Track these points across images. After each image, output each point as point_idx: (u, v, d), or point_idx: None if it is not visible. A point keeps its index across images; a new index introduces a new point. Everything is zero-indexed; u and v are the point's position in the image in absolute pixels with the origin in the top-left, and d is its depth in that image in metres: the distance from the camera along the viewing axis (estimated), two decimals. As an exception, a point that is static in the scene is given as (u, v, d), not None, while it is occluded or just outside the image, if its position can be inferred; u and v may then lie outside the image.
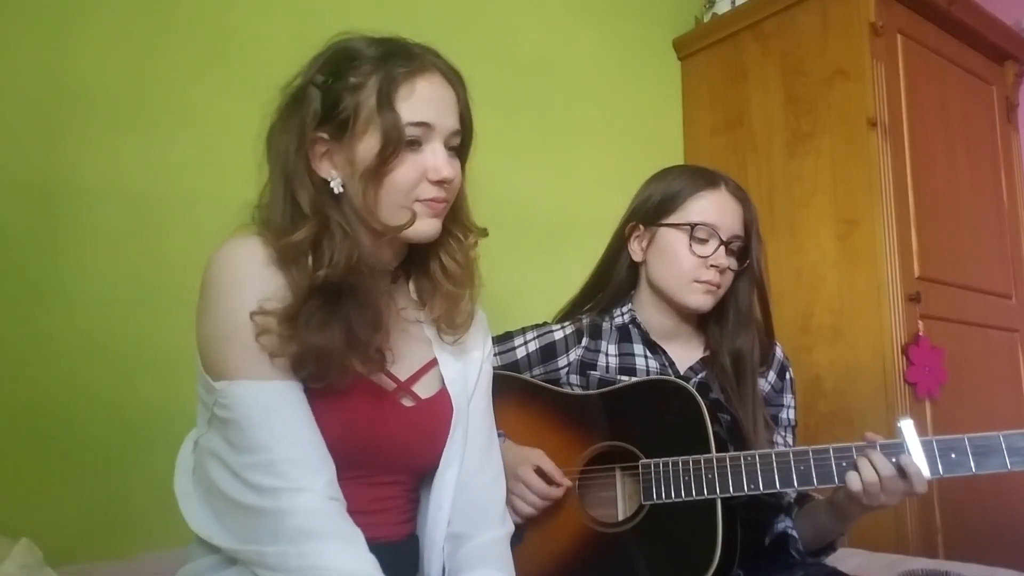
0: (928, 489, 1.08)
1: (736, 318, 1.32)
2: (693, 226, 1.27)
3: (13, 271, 1.36)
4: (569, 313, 1.44)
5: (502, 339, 1.37)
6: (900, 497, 1.08)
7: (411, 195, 0.93)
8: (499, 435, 1.24)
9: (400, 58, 0.93)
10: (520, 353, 1.35)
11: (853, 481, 1.07)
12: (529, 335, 1.37)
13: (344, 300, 0.89)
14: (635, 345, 1.34)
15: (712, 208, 1.29)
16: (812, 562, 1.25)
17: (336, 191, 0.93)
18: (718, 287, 1.28)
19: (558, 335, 1.35)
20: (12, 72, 1.39)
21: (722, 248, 1.27)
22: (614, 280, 1.39)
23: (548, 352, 1.35)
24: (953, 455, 1.06)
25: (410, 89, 0.92)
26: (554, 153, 2.23)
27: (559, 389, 1.32)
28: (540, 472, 1.18)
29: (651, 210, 1.34)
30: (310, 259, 0.89)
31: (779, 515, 1.27)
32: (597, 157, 2.31)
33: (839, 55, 2.18)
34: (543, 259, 2.12)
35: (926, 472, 1.06)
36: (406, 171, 0.92)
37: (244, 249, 0.90)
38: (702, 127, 2.53)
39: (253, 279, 0.88)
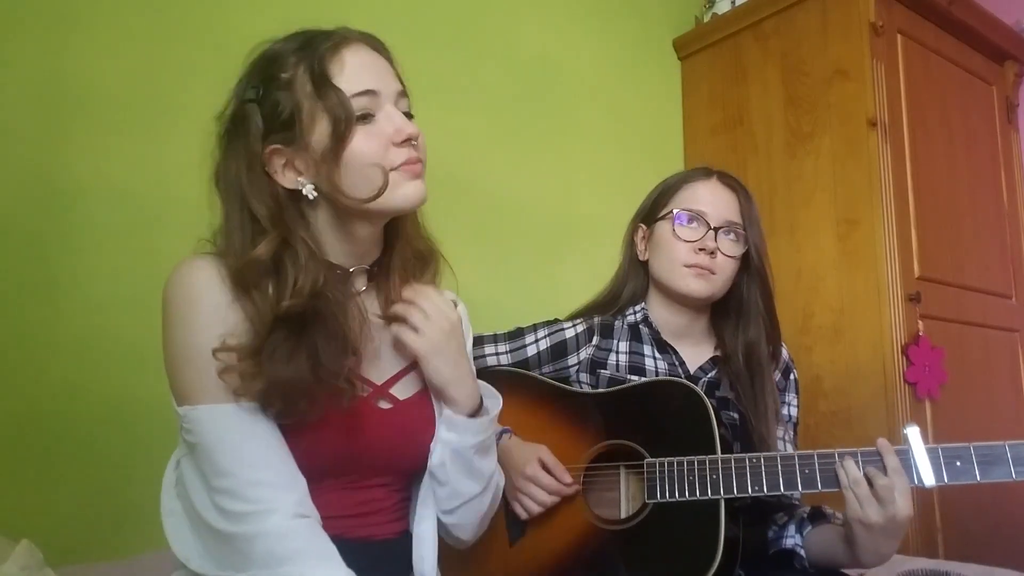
0: (923, 492, 1.06)
1: (739, 310, 1.32)
2: (677, 212, 1.31)
3: (13, 271, 1.36)
4: (585, 313, 1.43)
5: (513, 335, 1.38)
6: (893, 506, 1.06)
7: (383, 166, 0.88)
8: (505, 431, 1.24)
9: (318, 39, 0.90)
10: (531, 351, 1.36)
11: (844, 490, 1.06)
12: (540, 332, 1.37)
13: (310, 328, 0.86)
14: (645, 345, 1.34)
15: (699, 195, 1.32)
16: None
17: (310, 196, 0.89)
18: (711, 271, 1.28)
19: (569, 333, 1.36)
20: (12, 72, 1.39)
21: (711, 233, 1.28)
22: (629, 284, 1.40)
23: (559, 350, 1.35)
24: (958, 463, 1.05)
25: (340, 63, 0.88)
26: (554, 153, 2.23)
27: (566, 387, 1.33)
28: (543, 466, 1.18)
29: (649, 208, 1.39)
30: (271, 286, 0.85)
31: (783, 519, 1.26)
32: (597, 157, 2.30)
33: (839, 55, 2.18)
34: (543, 259, 2.12)
35: (931, 479, 1.06)
36: (367, 143, 0.87)
37: (198, 270, 0.87)
38: (702, 127, 2.53)
39: (209, 301, 0.85)
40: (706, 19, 2.56)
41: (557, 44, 2.29)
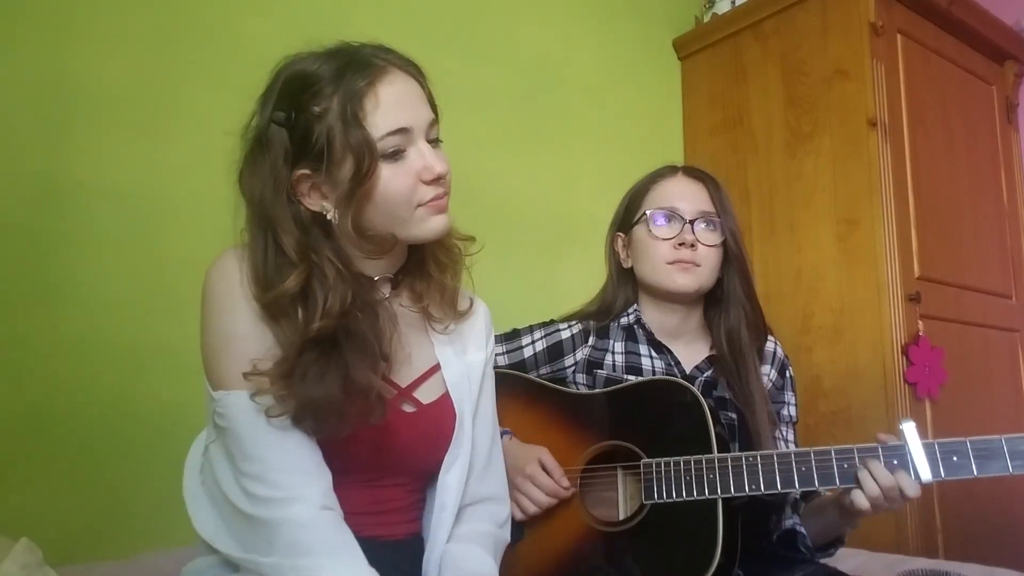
0: (924, 491, 1.08)
1: (721, 296, 1.33)
2: (651, 213, 1.31)
3: (13, 271, 1.36)
4: (576, 317, 1.43)
5: (509, 337, 1.38)
6: (900, 504, 1.08)
7: (411, 203, 0.91)
8: (505, 432, 1.25)
9: (355, 69, 0.89)
10: (528, 352, 1.36)
11: (860, 501, 1.08)
12: (537, 334, 1.37)
13: (341, 347, 0.87)
14: (640, 345, 1.34)
15: (668, 192, 1.33)
16: (809, 559, 1.25)
17: (335, 221, 0.90)
18: (695, 264, 1.29)
19: (565, 334, 1.36)
20: (13, 72, 1.39)
21: (688, 226, 1.29)
22: (620, 294, 1.39)
23: (555, 351, 1.35)
24: (955, 458, 1.06)
25: (375, 99, 0.88)
26: (554, 153, 2.23)
27: (562, 388, 1.33)
28: (543, 467, 1.19)
29: (623, 215, 1.40)
30: (299, 311, 0.86)
31: (782, 513, 1.27)
32: (597, 157, 2.31)
33: (839, 55, 2.18)
34: (543, 259, 2.13)
35: (928, 475, 1.06)
36: (398, 182, 0.89)
37: (240, 260, 0.89)
38: (702, 127, 2.53)
39: (243, 290, 0.88)
40: (706, 19, 2.56)
41: (557, 44, 2.29)
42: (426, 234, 0.94)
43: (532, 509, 1.18)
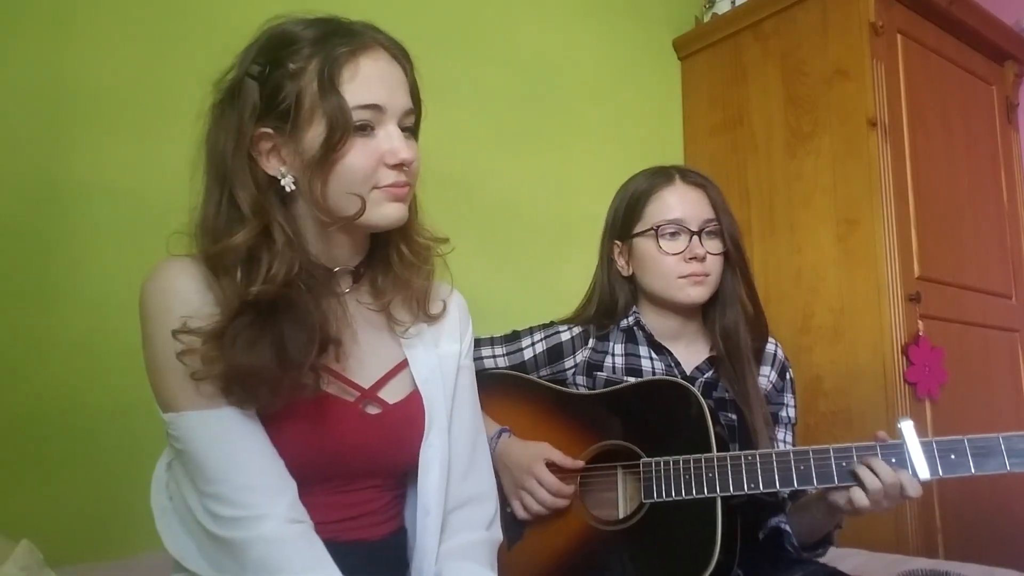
0: (924, 491, 1.08)
1: (720, 300, 1.33)
2: (658, 228, 1.29)
3: (13, 271, 1.36)
4: (578, 322, 1.42)
5: (510, 339, 1.38)
6: (899, 502, 1.08)
7: (368, 183, 0.87)
8: (504, 431, 1.25)
9: (340, 37, 0.87)
10: (528, 354, 1.36)
11: (860, 499, 1.07)
12: (537, 336, 1.37)
13: (278, 316, 0.83)
14: (640, 347, 1.34)
15: (671, 203, 1.31)
16: (809, 558, 1.25)
17: (288, 188, 0.87)
18: (706, 275, 1.29)
19: (565, 336, 1.36)
20: (12, 72, 1.39)
21: (695, 238, 1.28)
22: (620, 297, 1.37)
23: (555, 353, 1.35)
24: (952, 456, 1.06)
25: (354, 69, 0.85)
26: (554, 153, 2.23)
27: (562, 389, 1.33)
28: (551, 464, 1.18)
29: (620, 224, 1.37)
30: (241, 272, 0.83)
31: (775, 512, 1.27)
32: (597, 157, 2.30)
33: (839, 55, 2.18)
34: (542, 259, 2.12)
35: (925, 473, 1.06)
36: (360, 157, 0.86)
37: (172, 273, 0.85)
38: (702, 127, 2.53)
39: (181, 302, 0.83)
40: (706, 19, 2.56)
41: (557, 44, 2.29)
42: (378, 220, 0.89)
43: (536, 508, 1.18)
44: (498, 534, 1.02)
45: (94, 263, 1.44)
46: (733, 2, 2.48)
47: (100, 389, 1.41)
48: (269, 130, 0.86)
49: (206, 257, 0.85)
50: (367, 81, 0.86)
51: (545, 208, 2.17)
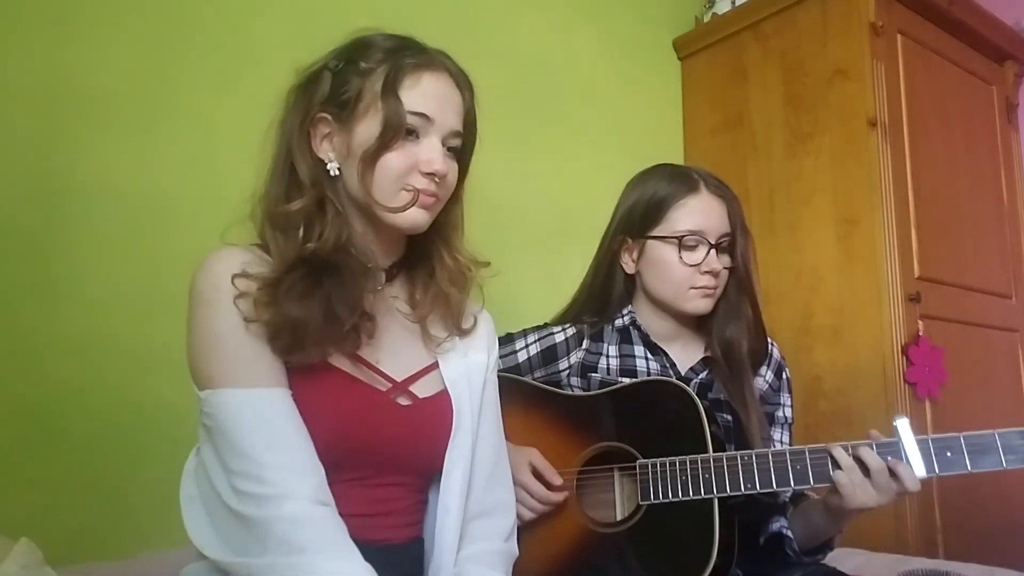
0: (923, 488, 1.08)
1: (724, 310, 1.32)
2: (681, 237, 1.28)
3: (13, 271, 1.36)
4: (567, 319, 1.42)
5: (503, 341, 1.37)
6: (893, 496, 1.08)
7: (399, 182, 0.93)
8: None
9: (412, 52, 0.95)
10: (522, 356, 1.35)
11: (839, 477, 1.09)
12: (531, 338, 1.37)
13: (328, 276, 0.90)
14: (636, 347, 1.34)
15: (696, 214, 1.29)
16: (810, 561, 1.25)
17: (332, 173, 0.94)
18: (715, 288, 1.29)
19: (559, 338, 1.35)
20: (12, 72, 1.40)
21: (712, 252, 1.27)
22: (614, 294, 1.37)
23: (549, 355, 1.35)
24: (948, 453, 1.07)
25: (416, 80, 0.93)
26: (554, 153, 2.23)
27: (557, 390, 1.32)
28: (534, 471, 1.18)
29: (636, 222, 1.33)
30: (300, 231, 0.91)
31: (775, 515, 1.27)
32: (597, 157, 2.30)
33: (839, 55, 2.18)
34: (542, 259, 2.12)
35: (921, 471, 1.06)
36: (398, 158, 0.92)
37: (224, 260, 0.90)
38: (702, 127, 2.53)
39: (231, 282, 0.88)
40: (706, 19, 2.56)
41: (556, 44, 2.29)
42: (400, 221, 0.94)
43: (527, 515, 1.18)
44: (515, 548, 1.04)
45: (94, 263, 1.44)
46: (733, 2, 2.48)
47: (100, 389, 1.41)
48: (328, 116, 0.94)
49: (265, 215, 0.93)
50: (424, 93, 0.94)
51: (545, 208, 2.17)
